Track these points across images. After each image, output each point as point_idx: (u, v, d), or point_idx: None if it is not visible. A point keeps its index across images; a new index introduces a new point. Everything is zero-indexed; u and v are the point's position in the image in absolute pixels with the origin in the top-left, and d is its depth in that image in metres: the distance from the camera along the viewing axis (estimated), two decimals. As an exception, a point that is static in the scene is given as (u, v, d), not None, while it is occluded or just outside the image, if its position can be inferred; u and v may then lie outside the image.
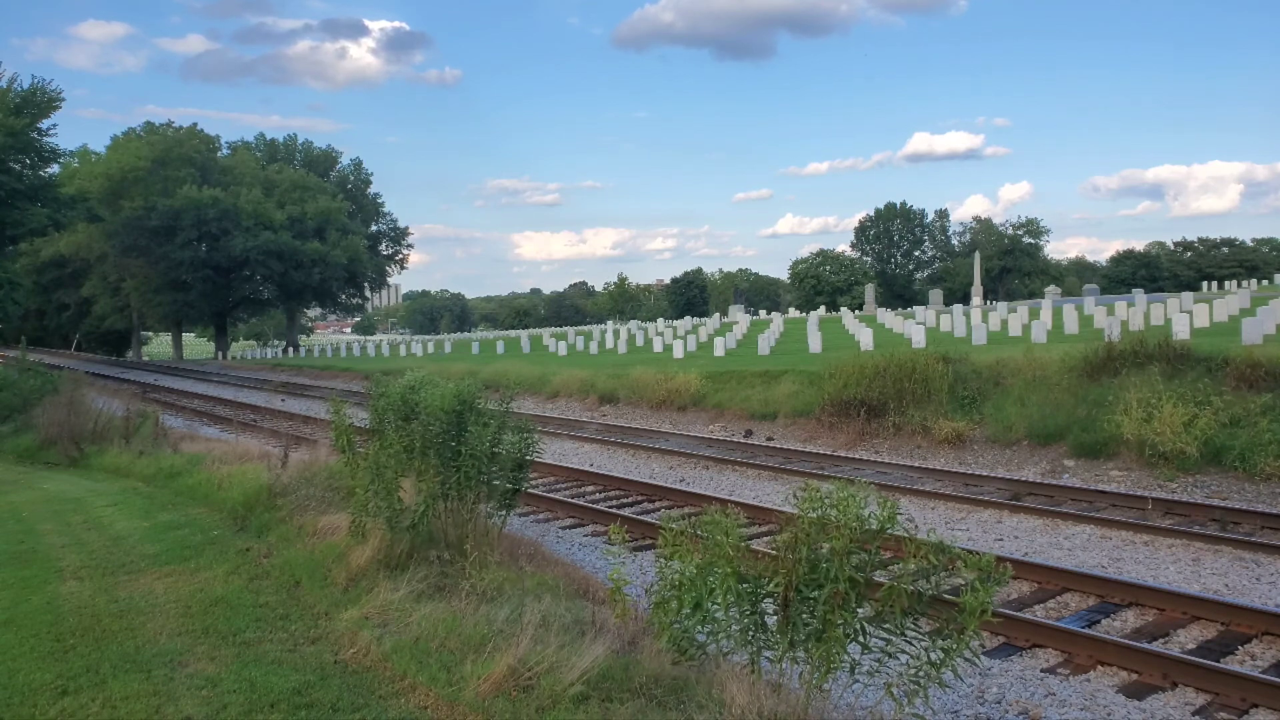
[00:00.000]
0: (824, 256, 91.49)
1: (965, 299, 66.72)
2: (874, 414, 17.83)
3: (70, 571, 8.69)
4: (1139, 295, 43.42)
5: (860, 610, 4.71)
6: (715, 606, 4.95)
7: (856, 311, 60.96)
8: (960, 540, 10.57)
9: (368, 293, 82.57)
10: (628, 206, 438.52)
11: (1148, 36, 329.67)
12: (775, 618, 4.88)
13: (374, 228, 77.94)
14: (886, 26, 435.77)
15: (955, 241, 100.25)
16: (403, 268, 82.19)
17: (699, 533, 5.08)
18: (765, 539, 9.84)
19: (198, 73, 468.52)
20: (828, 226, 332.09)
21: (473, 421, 8.10)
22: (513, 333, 79.48)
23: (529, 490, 12.09)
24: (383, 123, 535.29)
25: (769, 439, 19.01)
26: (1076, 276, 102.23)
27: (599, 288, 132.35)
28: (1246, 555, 9.76)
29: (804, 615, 4.72)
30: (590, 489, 14.44)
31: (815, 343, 29.01)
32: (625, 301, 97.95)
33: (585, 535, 11.64)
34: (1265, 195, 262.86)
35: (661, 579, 5.23)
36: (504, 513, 8.85)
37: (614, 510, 12.64)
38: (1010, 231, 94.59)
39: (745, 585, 4.90)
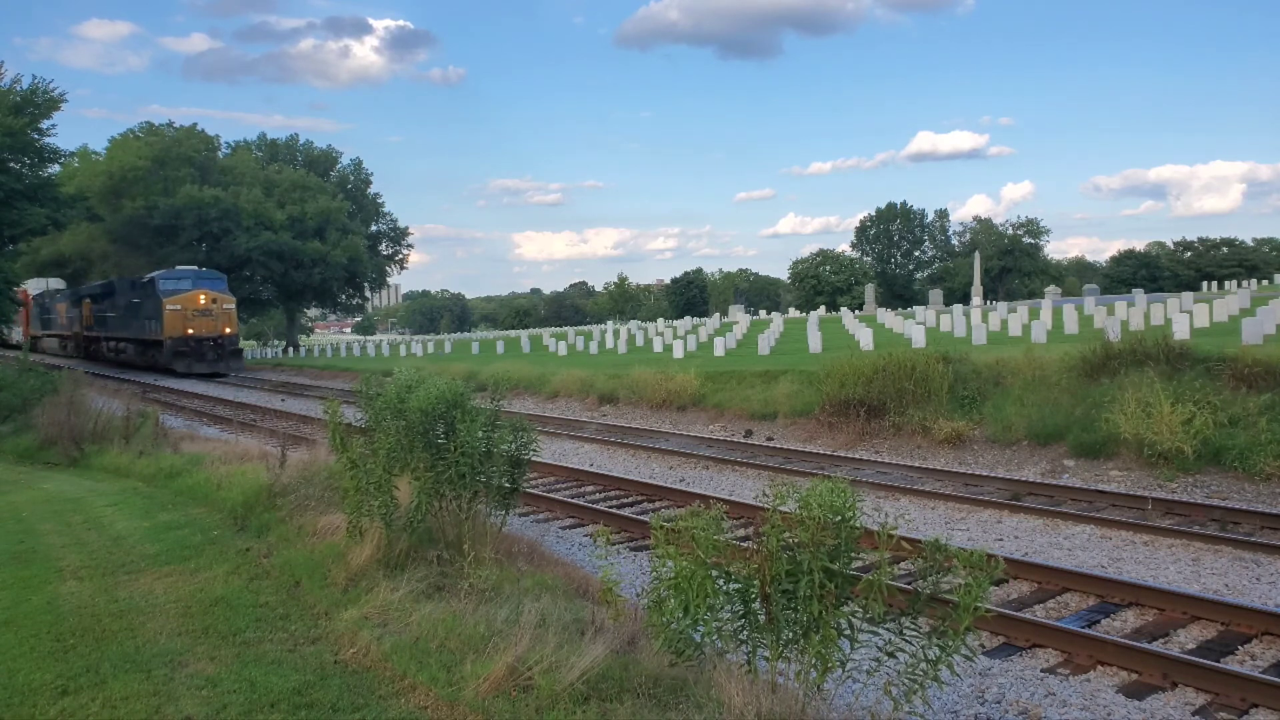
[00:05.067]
0: (824, 256, 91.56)
1: (965, 299, 66.73)
2: (874, 414, 17.83)
3: (70, 571, 8.69)
4: (1139, 295, 43.40)
5: (847, 606, 4.71)
6: (701, 607, 4.94)
7: (856, 311, 60.94)
8: (960, 540, 10.58)
9: (368, 293, 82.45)
10: (629, 206, 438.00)
11: (1152, 36, 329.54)
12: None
13: (374, 228, 77.88)
14: (893, 25, 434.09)
15: (955, 241, 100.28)
16: (403, 268, 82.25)
17: (679, 529, 5.08)
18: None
19: (200, 71, 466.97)
20: (829, 226, 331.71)
21: (461, 419, 8.11)
22: (513, 333, 79.40)
23: (528, 490, 12.14)
24: (386, 122, 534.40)
25: (769, 439, 19.01)
26: (1076, 276, 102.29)
27: (599, 288, 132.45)
28: (1246, 555, 9.76)
29: (784, 609, 4.72)
30: (590, 489, 14.44)
31: (815, 343, 29.01)
32: (625, 301, 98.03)
33: (585, 535, 11.64)
34: (1267, 195, 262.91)
35: (655, 579, 5.23)
36: (502, 512, 8.85)
37: (614, 510, 12.64)
38: (1010, 231, 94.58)
39: (736, 585, 4.90)
